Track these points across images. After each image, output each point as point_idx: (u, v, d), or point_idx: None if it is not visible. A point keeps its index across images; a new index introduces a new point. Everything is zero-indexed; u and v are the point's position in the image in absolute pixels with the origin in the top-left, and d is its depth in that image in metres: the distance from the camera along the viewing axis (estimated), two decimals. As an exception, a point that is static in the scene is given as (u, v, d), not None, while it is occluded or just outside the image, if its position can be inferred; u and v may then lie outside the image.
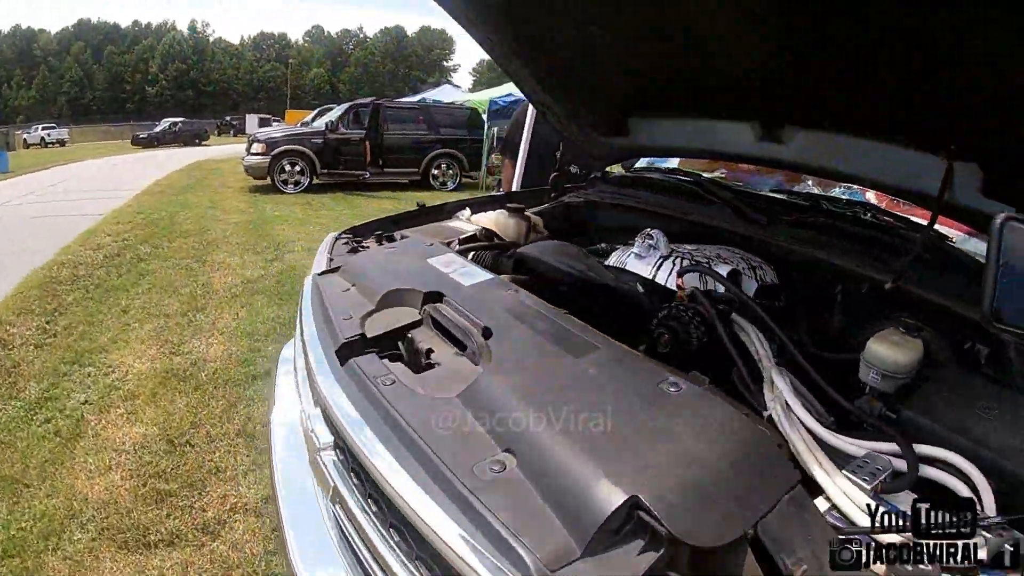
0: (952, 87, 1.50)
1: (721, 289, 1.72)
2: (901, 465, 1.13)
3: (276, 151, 12.46)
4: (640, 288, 1.78)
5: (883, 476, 1.10)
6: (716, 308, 1.57)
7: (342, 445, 1.33)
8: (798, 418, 1.28)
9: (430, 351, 1.42)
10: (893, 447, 1.17)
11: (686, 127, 2.50)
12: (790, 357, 1.46)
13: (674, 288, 1.68)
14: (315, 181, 12.97)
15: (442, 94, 19.79)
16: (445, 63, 66.45)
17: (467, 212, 2.63)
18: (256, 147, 12.52)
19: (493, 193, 3.01)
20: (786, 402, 1.32)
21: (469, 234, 2.31)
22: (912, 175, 1.82)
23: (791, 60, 1.72)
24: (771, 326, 1.51)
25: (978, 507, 1.03)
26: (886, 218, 2.27)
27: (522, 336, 1.37)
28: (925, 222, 2.03)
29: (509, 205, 2.59)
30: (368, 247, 2.17)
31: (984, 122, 1.56)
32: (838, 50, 1.58)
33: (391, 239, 2.24)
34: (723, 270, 1.80)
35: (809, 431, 1.25)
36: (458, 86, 31.81)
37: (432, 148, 13.62)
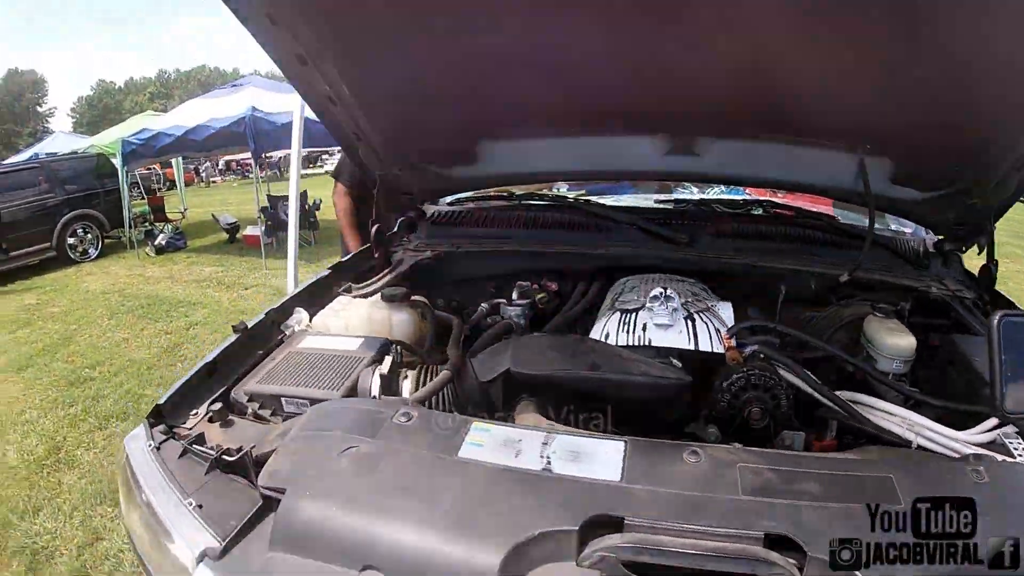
0: (866, 87, 1.55)
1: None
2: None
3: None
4: (677, 364, 1.46)
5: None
6: (792, 358, 1.43)
7: None
8: (959, 439, 1.22)
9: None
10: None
11: (561, 147, 2.14)
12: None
13: (721, 351, 1.49)
14: (-77, 296, 8.99)
15: (56, 144, 15.97)
16: (39, 108, 54.75)
17: (303, 317, 1.83)
18: None
19: (318, 276, 2.15)
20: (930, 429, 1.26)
21: (377, 359, 1.52)
22: (828, 173, 1.92)
23: (713, 66, 1.55)
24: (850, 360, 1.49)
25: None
26: (782, 211, 2.31)
27: (838, 518, 0.91)
28: (818, 208, 2.43)
29: (385, 292, 1.86)
30: (273, 468, 1.12)
31: (893, 118, 1.66)
32: (759, 56, 1.49)
33: (231, 410, 1.43)
34: (726, 311, 1.70)
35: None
36: (62, 131, 26.24)
37: (61, 212, 10.50)
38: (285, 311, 1.84)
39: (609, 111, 1.87)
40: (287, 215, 10.87)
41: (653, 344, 1.52)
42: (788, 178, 2.04)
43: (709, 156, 1.99)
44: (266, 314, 1.77)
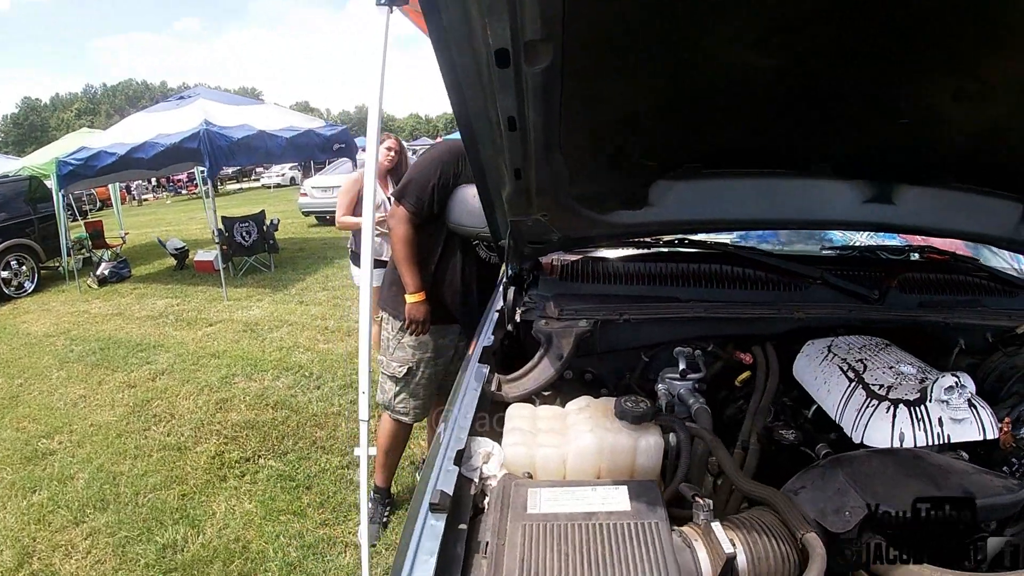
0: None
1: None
2: None
3: None
4: (965, 456, 1.33)
5: None
6: None
7: None
8: None
9: None
10: None
11: (745, 191, 1.81)
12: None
13: (995, 437, 1.35)
14: None
15: (-22, 165, 14.34)
16: (-44, 125, 51.85)
17: (493, 451, 1.28)
18: None
19: (474, 373, 1.55)
20: None
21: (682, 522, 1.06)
22: (996, 222, 1.84)
23: (928, 105, 1.37)
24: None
25: None
26: (936, 256, 2.30)
27: None
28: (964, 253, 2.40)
29: (627, 409, 1.32)
30: None
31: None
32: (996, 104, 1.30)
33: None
34: (970, 384, 1.45)
35: None
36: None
37: (-8, 244, 9.42)
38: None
39: (818, 151, 1.66)
40: (245, 239, 10.10)
41: (952, 440, 1.35)
42: (965, 228, 1.93)
43: (902, 205, 1.85)
44: (453, 462, 1.18)
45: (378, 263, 4.73)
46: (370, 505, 3.28)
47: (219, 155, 8.28)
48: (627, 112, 1.35)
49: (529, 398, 1.60)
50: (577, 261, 2.07)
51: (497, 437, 1.33)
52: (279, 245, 10.85)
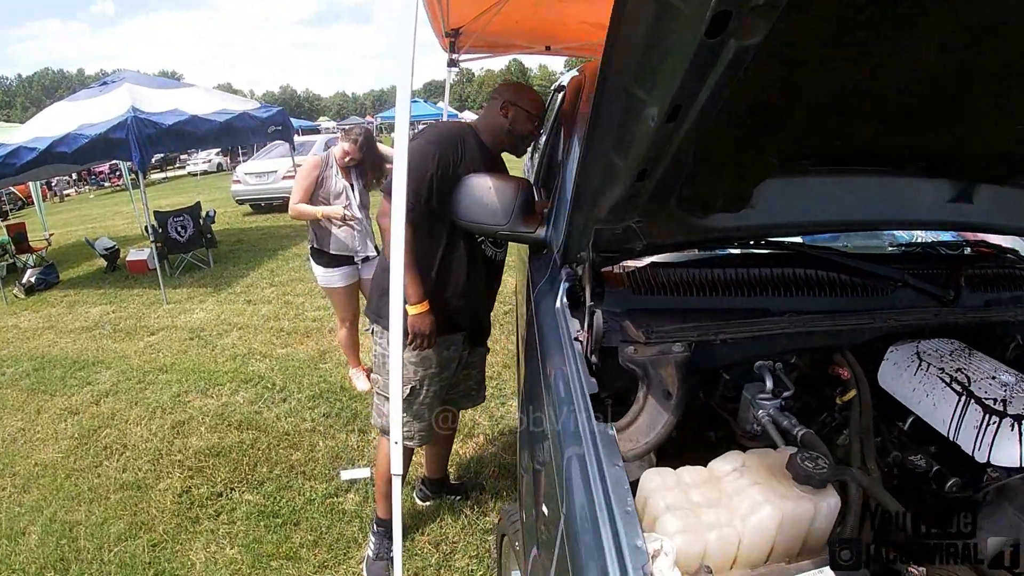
0: None
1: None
2: None
3: None
4: None
5: None
6: None
7: None
8: None
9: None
10: None
11: (840, 190, 1.71)
12: None
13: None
14: None
15: None
16: None
17: (665, 546, 0.97)
18: None
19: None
20: None
21: None
22: None
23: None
24: None
25: None
26: (983, 249, 2.25)
27: None
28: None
29: (807, 469, 1.09)
30: None
31: None
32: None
33: None
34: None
35: None
36: None
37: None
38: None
39: (919, 150, 1.58)
40: (181, 234, 9.38)
41: None
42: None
43: (979, 204, 1.87)
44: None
45: (344, 259, 4.34)
46: (373, 539, 2.95)
47: (147, 145, 7.59)
48: (782, 103, 1.12)
49: (648, 455, 1.30)
50: (644, 269, 1.75)
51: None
52: (216, 239, 10.15)
